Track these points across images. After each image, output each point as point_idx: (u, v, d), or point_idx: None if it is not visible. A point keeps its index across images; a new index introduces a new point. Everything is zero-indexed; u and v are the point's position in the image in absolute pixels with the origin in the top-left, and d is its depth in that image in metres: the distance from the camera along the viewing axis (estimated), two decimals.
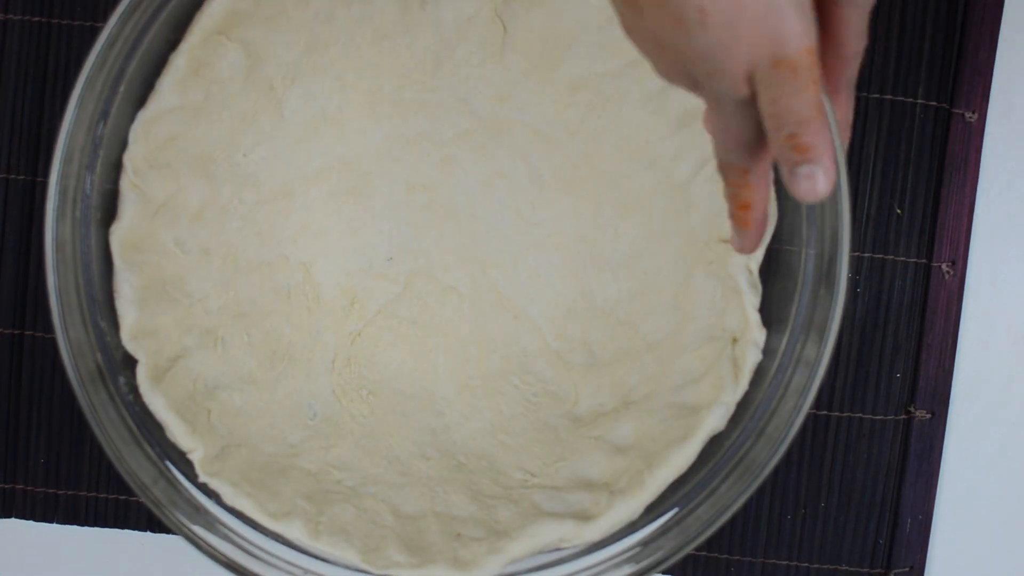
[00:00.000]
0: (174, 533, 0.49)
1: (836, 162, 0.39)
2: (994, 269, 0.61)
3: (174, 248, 0.54)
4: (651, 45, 0.40)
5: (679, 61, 0.39)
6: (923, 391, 0.61)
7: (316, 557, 0.51)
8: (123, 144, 0.52)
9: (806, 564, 0.61)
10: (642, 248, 0.55)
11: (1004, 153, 0.61)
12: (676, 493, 0.51)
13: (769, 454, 0.48)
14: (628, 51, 0.54)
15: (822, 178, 0.38)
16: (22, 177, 0.60)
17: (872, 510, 0.61)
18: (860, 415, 0.61)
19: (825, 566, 0.61)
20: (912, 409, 0.61)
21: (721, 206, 0.53)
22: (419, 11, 0.54)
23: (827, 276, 0.48)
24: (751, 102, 0.39)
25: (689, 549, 0.48)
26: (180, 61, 0.52)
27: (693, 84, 0.40)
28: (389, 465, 0.55)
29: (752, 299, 0.52)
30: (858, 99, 0.60)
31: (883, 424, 0.61)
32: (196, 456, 0.51)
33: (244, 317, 0.55)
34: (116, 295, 0.52)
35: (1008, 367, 0.62)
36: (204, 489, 0.52)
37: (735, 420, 0.52)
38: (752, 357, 0.51)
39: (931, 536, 0.62)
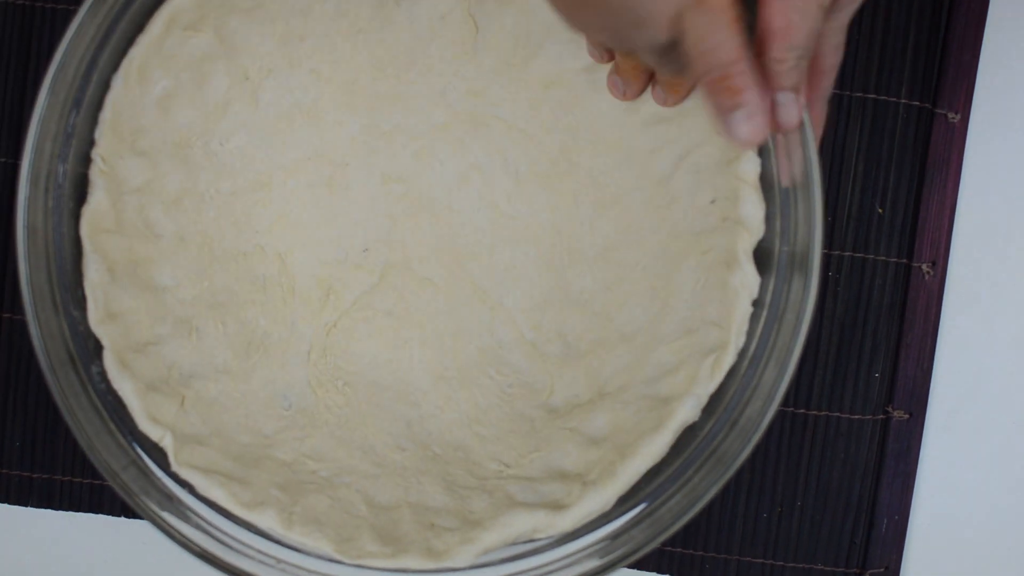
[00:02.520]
0: (146, 520, 0.49)
1: (764, 107, 0.39)
2: (974, 270, 0.61)
3: (145, 230, 0.54)
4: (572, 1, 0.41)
5: (602, 13, 0.40)
6: (901, 391, 0.61)
7: (289, 547, 0.51)
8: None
9: (781, 562, 0.61)
10: (618, 241, 0.55)
11: (986, 154, 0.61)
12: (650, 484, 0.51)
13: (741, 445, 0.48)
14: None
15: (760, 119, 0.39)
16: (2, 160, 0.60)
17: (848, 510, 0.61)
18: (838, 414, 0.61)
19: (800, 565, 0.61)
20: (890, 409, 0.61)
21: (707, 198, 0.53)
22: (394, 7, 0.55)
23: (801, 266, 0.48)
24: (670, 49, 0.40)
25: (662, 539, 0.48)
26: (134, 52, 0.52)
27: (613, 37, 0.41)
28: (364, 456, 0.55)
29: (745, 302, 0.51)
30: (841, 97, 0.60)
31: (861, 424, 0.61)
32: (166, 443, 0.51)
33: (219, 307, 0.55)
34: (84, 279, 0.52)
35: (987, 368, 0.62)
36: (176, 478, 0.52)
37: (709, 411, 0.52)
38: (730, 358, 0.51)
39: (907, 537, 0.62)
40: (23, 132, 0.60)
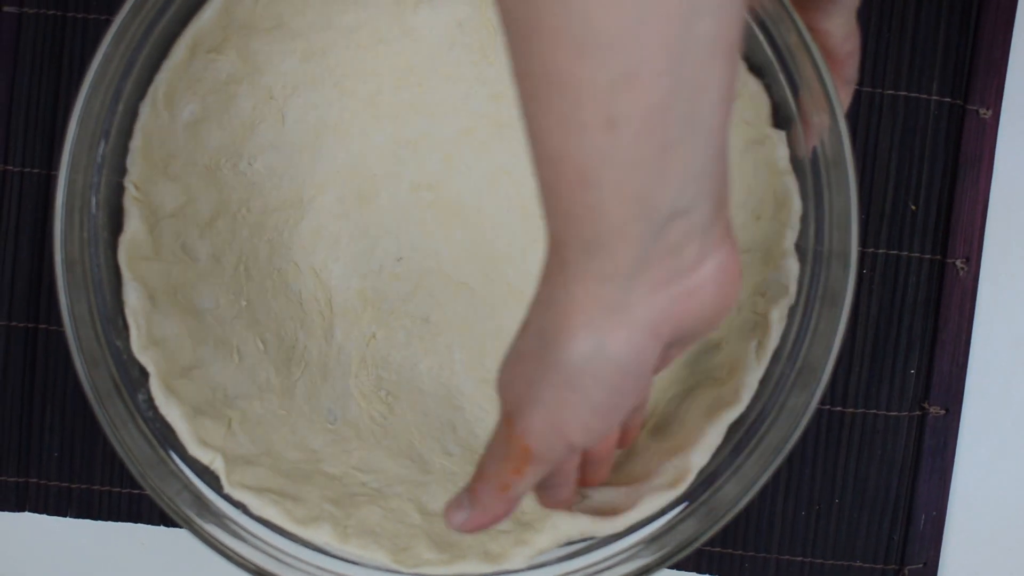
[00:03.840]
0: (189, 532, 0.49)
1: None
2: (1008, 265, 0.62)
3: (183, 255, 0.54)
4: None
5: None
6: (937, 387, 0.61)
7: (346, 560, 0.51)
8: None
9: (820, 560, 0.61)
10: None
11: (1018, 149, 0.61)
12: (700, 475, 0.51)
13: (790, 429, 0.48)
14: None
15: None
16: (37, 170, 0.60)
17: (886, 506, 0.61)
18: (874, 411, 0.61)
19: (839, 562, 0.61)
20: (926, 405, 0.61)
21: (733, 198, 0.53)
22: (412, 16, 0.55)
23: (840, 248, 0.48)
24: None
25: (716, 529, 0.48)
26: (160, 79, 0.52)
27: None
28: (412, 463, 0.55)
29: (786, 289, 0.51)
30: (873, 95, 0.60)
31: (897, 420, 0.61)
32: (216, 465, 0.51)
33: (258, 325, 0.55)
34: (125, 306, 0.52)
35: (1022, 363, 0.62)
36: (230, 499, 0.51)
37: (756, 397, 0.51)
38: (774, 341, 0.51)
39: (945, 532, 0.62)
40: (55, 142, 0.60)
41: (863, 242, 0.60)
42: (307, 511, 0.51)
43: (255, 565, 0.48)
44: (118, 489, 0.61)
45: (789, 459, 0.61)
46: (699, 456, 0.51)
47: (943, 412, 0.61)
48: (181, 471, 0.51)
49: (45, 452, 0.61)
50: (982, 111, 0.60)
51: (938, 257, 0.61)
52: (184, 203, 0.54)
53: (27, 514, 0.61)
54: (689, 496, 0.50)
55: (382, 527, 0.52)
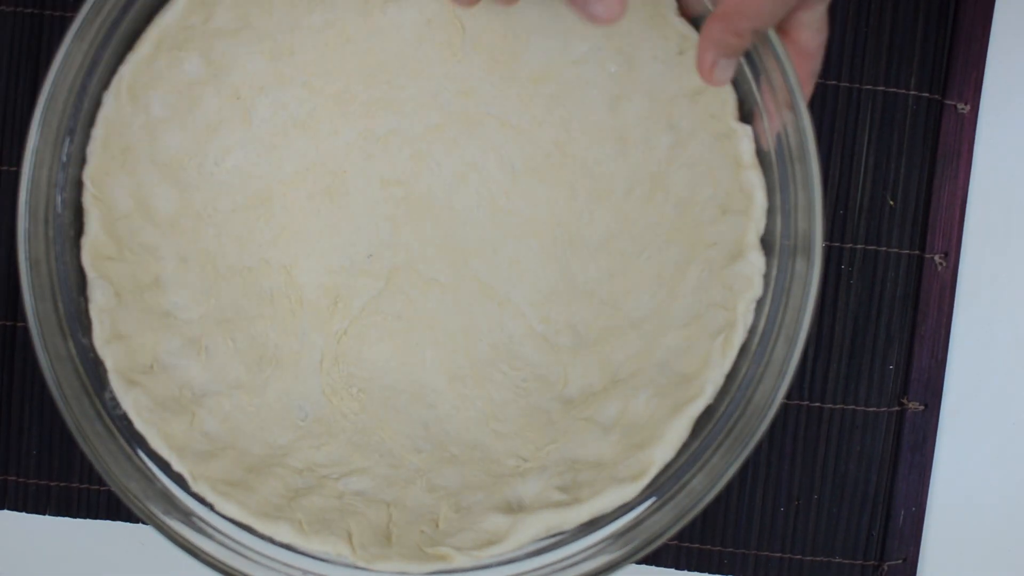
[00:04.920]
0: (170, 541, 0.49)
1: None
2: (987, 260, 0.62)
3: (145, 255, 0.54)
4: None
5: None
6: (916, 383, 0.61)
7: (312, 556, 0.51)
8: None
9: (799, 556, 0.61)
10: (619, 231, 0.56)
11: (996, 145, 0.61)
12: (668, 468, 0.51)
13: (757, 423, 0.48)
14: (586, 40, 0.54)
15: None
16: (13, 169, 0.60)
17: (865, 502, 0.61)
18: (853, 407, 0.61)
19: (818, 558, 0.61)
20: (905, 401, 0.61)
21: (701, 192, 0.53)
22: (380, 15, 0.55)
23: (804, 244, 0.48)
24: None
25: (684, 522, 0.48)
26: (124, 71, 0.52)
27: None
28: (380, 459, 0.55)
29: (751, 285, 0.52)
30: (851, 90, 0.60)
31: (876, 416, 0.61)
32: (180, 462, 0.51)
33: (228, 323, 0.55)
34: (90, 303, 0.52)
35: (1001, 358, 0.62)
36: (198, 497, 0.51)
37: (723, 391, 0.52)
38: (739, 337, 0.51)
39: (924, 528, 0.62)
40: None
41: (841, 237, 0.60)
42: (271, 507, 0.51)
43: (222, 563, 0.48)
44: (96, 487, 0.61)
45: (768, 455, 0.61)
46: (662, 451, 0.51)
47: (922, 407, 0.61)
48: (149, 468, 0.51)
49: (24, 451, 0.61)
50: (960, 106, 0.60)
51: (917, 252, 0.61)
52: (142, 201, 0.54)
53: (5, 512, 0.61)
54: (657, 491, 0.50)
55: (346, 523, 0.52)
